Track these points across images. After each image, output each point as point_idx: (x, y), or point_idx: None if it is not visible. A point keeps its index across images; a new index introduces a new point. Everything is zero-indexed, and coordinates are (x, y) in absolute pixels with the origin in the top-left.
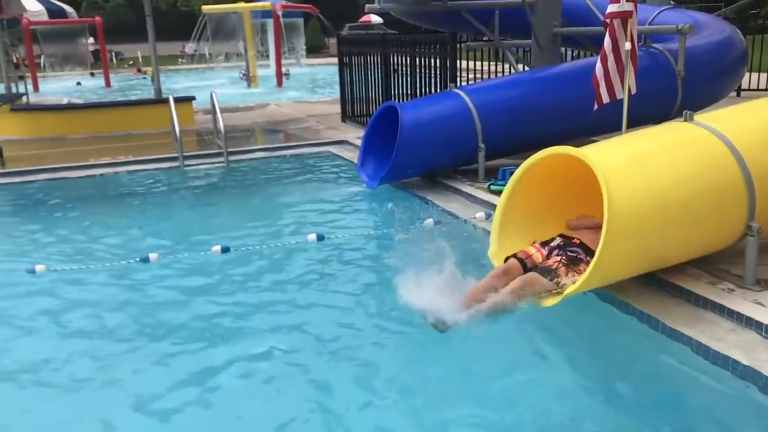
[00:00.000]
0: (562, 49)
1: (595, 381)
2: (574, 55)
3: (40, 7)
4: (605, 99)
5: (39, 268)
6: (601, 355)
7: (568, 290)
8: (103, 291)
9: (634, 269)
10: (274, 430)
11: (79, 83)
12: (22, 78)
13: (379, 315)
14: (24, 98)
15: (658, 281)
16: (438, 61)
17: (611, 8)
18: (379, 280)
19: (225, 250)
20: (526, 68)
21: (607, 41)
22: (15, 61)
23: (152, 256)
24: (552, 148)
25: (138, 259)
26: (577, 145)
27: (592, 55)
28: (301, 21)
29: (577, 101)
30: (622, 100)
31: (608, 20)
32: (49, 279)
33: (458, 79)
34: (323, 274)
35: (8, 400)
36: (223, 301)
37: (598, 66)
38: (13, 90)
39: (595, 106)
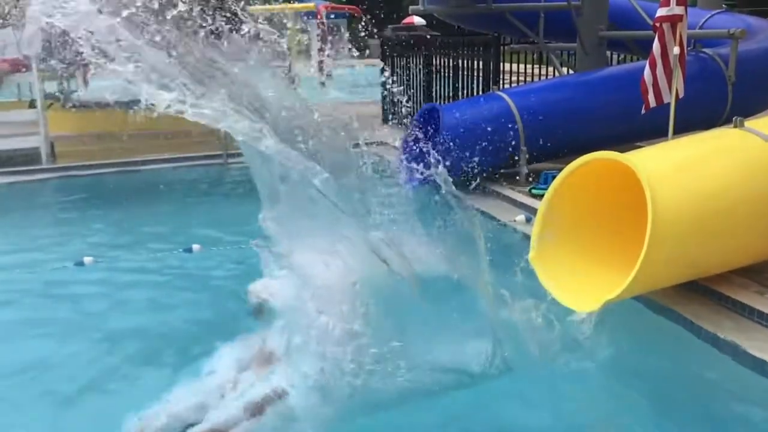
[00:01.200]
0: (608, 53)
1: (637, 389)
2: (619, 58)
3: None
4: (652, 103)
5: (87, 260)
6: (643, 363)
7: (609, 296)
8: (148, 281)
9: (677, 277)
10: None
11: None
12: (73, 76)
13: None
14: (75, 95)
15: (704, 289)
16: (481, 63)
17: (661, 12)
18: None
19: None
20: (571, 72)
21: (656, 46)
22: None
23: (195, 247)
24: (595, 153)
25: (181, 250)
26: (623, 151)
27: (638, 59)
28: (344, 22)
29: (623, 106)
30: (669, 106)
31: (657, 24)
32: (97, 270)
33: (501, 82)
34: None
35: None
36: None
37: (647, 71)
38: (66, 87)
39: (643, 111)
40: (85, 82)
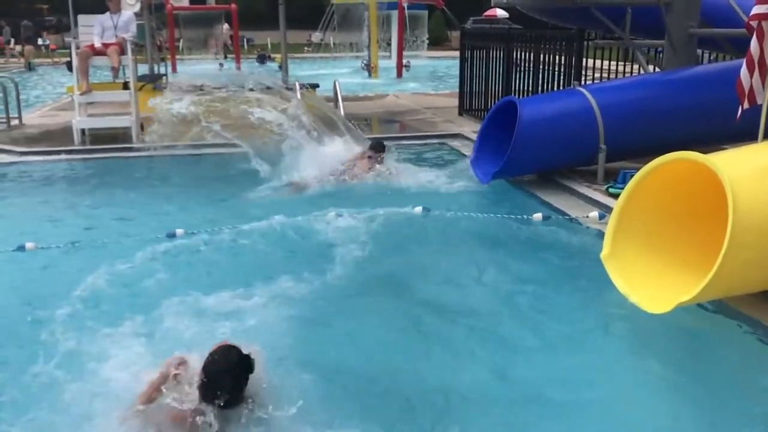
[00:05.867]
0: (699, 52)
1: (707, 398)
2: (710, 57)
3: None
4: (747, 105)
5: (179, 232)
6: (715, 370)
7: (682, 298)
8: (230, 252)
9: (756, 284)
10: None
11: (221, 65)
12: (163, 60)
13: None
14: (163, 79)
15: None
16: (563, 58)
17: (757, 9)
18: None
19: (339, 215)
20: (657, 69)
21: (754, 45)
22: (158, 43)
23: (276, 217)
24: (676, 153)
25: (259, 221)
26: (706, 152)
27: (732, 58)
28: (425, 13)
29: (711, 106)
30: (761, 108)
31: (752, 22)
32: (183, 241)
33: (583, 78)
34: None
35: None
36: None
37: (744, 72)
38: (155, 71)
39: (739, 114)
40: (173, 67)
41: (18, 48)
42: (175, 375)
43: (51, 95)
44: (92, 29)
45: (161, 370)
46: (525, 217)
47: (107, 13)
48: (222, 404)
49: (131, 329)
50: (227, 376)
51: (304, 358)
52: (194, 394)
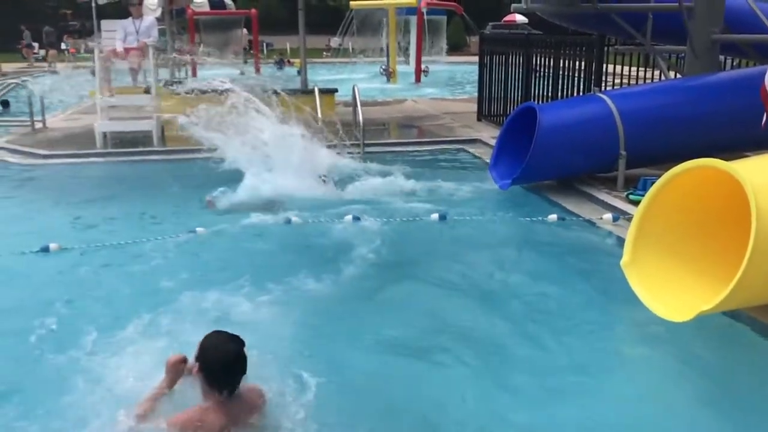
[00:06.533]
0: (721, 58)
1: (727, 408)
2: (733, 63)
3: None
4: None
5: (199, 230)
6: (730, 377)
7: (703, 307)
8: (244, 252)
9: None
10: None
11: (242, 73)
12: (184, 64)
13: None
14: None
15: None
16: (583, 63)
17: None
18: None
19: (355, 219)
20: (678, 76)
21: None
22: (178, 48)
23: (294, 219)
24: (698, 160)
25: (282, 221)
26: (728, 159)
27: (755, 64)
28: (444, 19)
29: (733, 113)
30: None
31: None
32: (198, 240)
33: (603, 84)
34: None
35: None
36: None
37: None
38: (176, 75)
39: (764, 120)
40: (194, 71)
41: (42, 52)
42: (178, 371)
43: (74, 99)
44: (115, 34)
45: (166, 373)
46: (540, 218)
47: (129, 19)
48: (230, 389)
49: (147, 330)
50: (229, 357)
51: (310, 363)
52: (191, 393)
